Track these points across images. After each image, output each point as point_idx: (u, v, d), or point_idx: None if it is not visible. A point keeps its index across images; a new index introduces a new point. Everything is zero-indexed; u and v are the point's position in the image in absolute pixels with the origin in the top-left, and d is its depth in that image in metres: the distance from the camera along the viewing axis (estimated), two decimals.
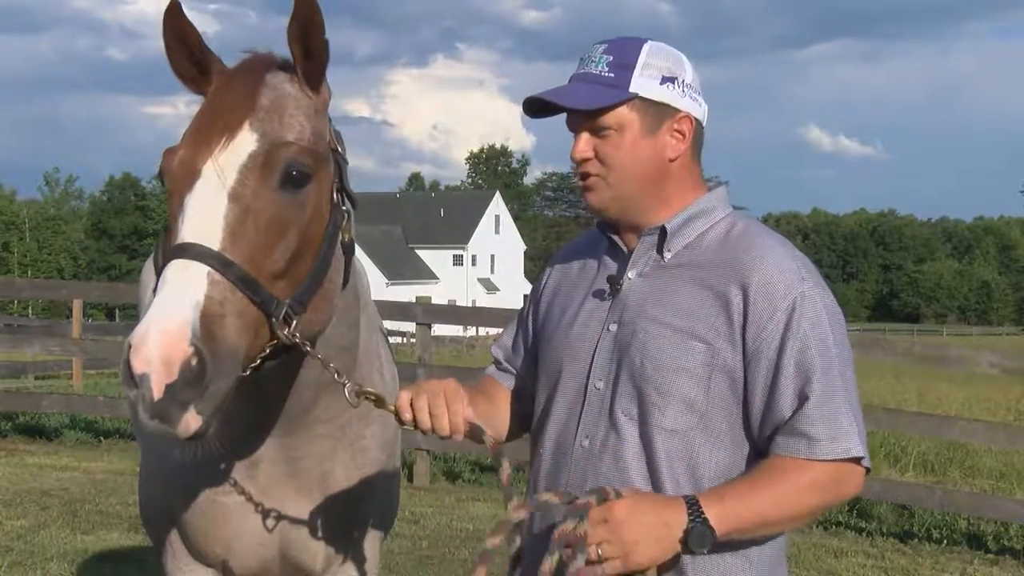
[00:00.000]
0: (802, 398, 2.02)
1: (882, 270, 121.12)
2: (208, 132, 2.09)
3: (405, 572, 6.56)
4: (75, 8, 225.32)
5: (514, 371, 2.49)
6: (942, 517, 8.26)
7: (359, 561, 2.86)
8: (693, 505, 1.95)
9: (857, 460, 2.03)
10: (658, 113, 2.14)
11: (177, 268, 1.94)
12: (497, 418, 2.40)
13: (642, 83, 2.12)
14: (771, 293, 2.05)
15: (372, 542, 2.91)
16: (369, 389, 2.21)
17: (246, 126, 2.10)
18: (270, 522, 2.64)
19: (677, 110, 2.15)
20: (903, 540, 8.02)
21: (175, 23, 2.17)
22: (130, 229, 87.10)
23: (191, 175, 2.05)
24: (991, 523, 8.06)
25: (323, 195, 2.19)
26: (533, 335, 2.44)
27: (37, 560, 6.54)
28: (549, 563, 1.93)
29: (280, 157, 2.09)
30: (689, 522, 1.93)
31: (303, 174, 2.11)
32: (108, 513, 7.88)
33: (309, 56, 2.19)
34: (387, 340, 3.19)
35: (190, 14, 2.19)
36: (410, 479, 9.21)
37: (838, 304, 2.15)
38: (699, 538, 1.93)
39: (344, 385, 2.19)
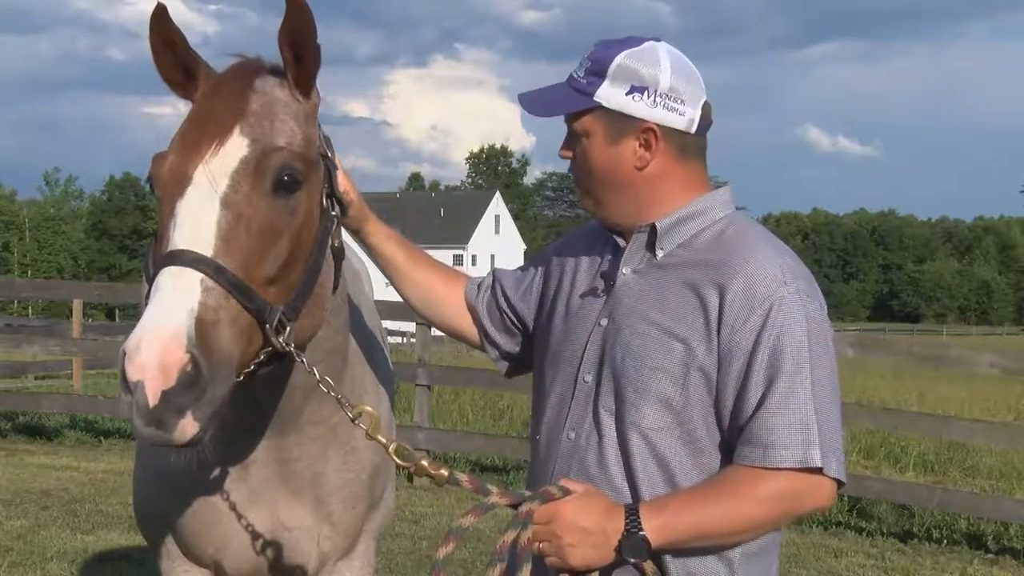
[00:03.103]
0: (761, 405, 2.00)
1: (882, 270, 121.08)
2: (198, 138, 2.07)
3: (405, 572, 6.55)
4: (75, 8, 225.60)
5: (485, 298, 2.51)
6: (942, 517, 8.25)
7: (353, 562, 2.86)
8: (632, 515, 1.96)
9: (821, 471, 1.98)
10: (621, 123, 2.13)
11: (170, 275, 1.92)
12: (424, 284, 2.52)
13: (608, 92, 2.12)
14: (749, 297, 2.03)
15: (366, 543, 2.91)
16: (368, 409, 2.19)
17: (236, 131, 2.08)
18: (262, 524, 2.64)
19: (641, 120, 2.12)
20: (903, 540, 8.02)
21: (161, 28, 2.15)
22: (130, 229, 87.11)
23: (182, 181, 2.03)
24: (991, 523, 8.06)
25: (314, 200, 2.18)
26: (534, 301, 2.45)
27: (37, 560, 6.54)
28: (492, 574, 1.96)
29: (271, 162, 2.07)
30: (625, 532, 1.95)
31: (294, 179, 2.10)
32: (108, 513, 7.88)
33: (300, 61, 2.17)
34: (385, 340, 3.19)
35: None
36: (410, 479, 9.13)
37: (827, 313, 2.13)
38: (632, 549, 1.95)
39: (338, 399, 2.19)
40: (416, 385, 9.59)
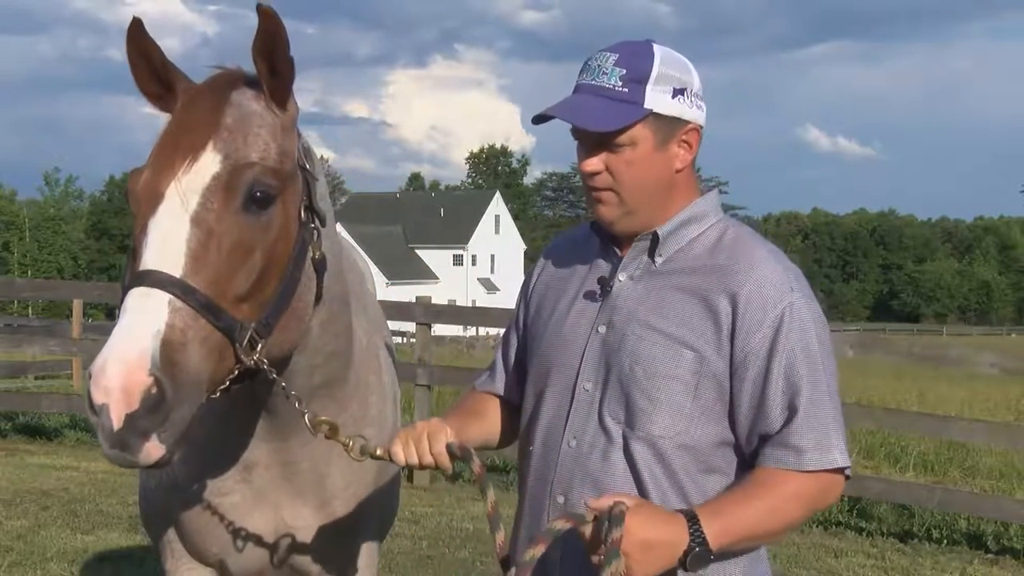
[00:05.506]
0: (791, 410, 2.04)
1: (882, 270, 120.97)
2: (171, 153, 2.07)
3: (405, 572, 6.56)
4: (75, 8, 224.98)
5: (504, 374, 2.50)
6: (942, 517, 8.25)
7: (357, 563, 2.87)
8: (693, 523, 1.95)
9: (841, 470, 2.07)
10: (669, 127, 2.14)
11: (138, 296, 1.93)
12: (493, 434, 2.45)
13: (656, 98, 2.11)
14: (761, 303, 2.07)
15: (370, 544, 2.92)
16: (324, 419, 2.25)
17: (209, 147, 2.07)
18: (266, 524, 2.65)
19: (686, 122, 2.15)
20: (903, 540, 8.02)
21: (138, 40, 2.15)
22: (130, 229, 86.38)
23: (154, 198, 2.03)
24: (991, 523, 8.05)
25: (289, 214, 2.17)
26: (523, 333, 2.45)
27: (37, 560, 6.54)
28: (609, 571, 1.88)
29: (243, 178, 2.06)
30: (690, 542, 1.94)
31: (267, 195, 2.09)
32: (108, 513, 7.88)
33: (274, 73, 2.16)
34: (390, 342, 3.19)
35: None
36: (410, 479, 9.21)
37: (825, 312, 2.18)
38: (697, 560, 1.94)
39: (304, 415, 2.24)
40: (416, 385, 9.59)
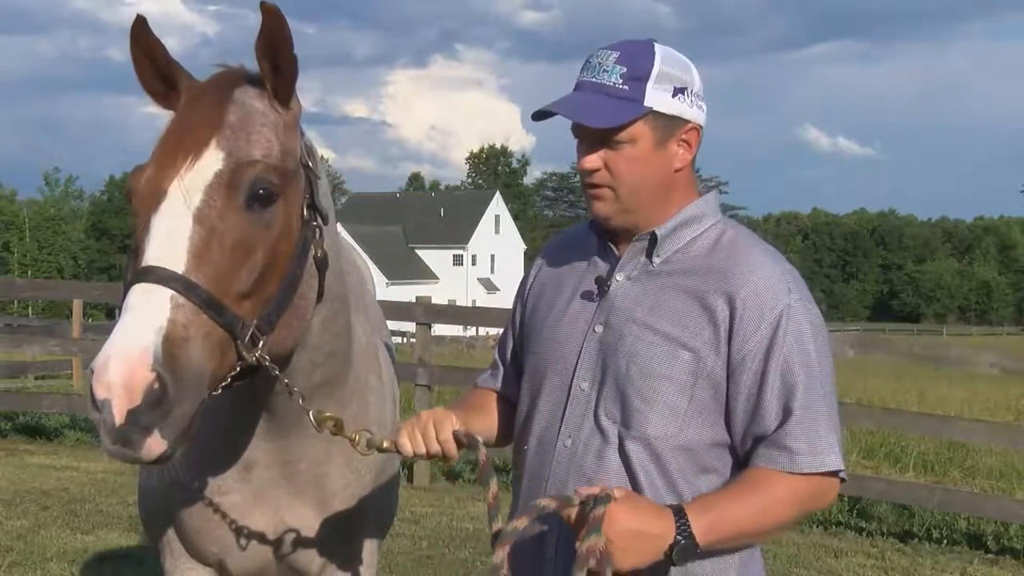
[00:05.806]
0: (786, 412, 2.04)
1: (882, 270, 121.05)
2: (174, 150, 2.07)
3: (405, 572, 6.56)
4: (75, 8, 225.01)
5: (503, 372, 2.50)
6: (942, 517, 8.25)
7: (356, 563, 2.87)
8: (681, 517, 1.96)
9: (835, 473, 2.06)
10: (668, 126, 2.13)
11: (140, 292, 1.93)
12: (493, 430, 2.46)
13: (656, 96, 2.11)
14: (758, 305, 2.07)
15: (369, 543, 2.92)
16: (329, 415, 2.25)
17: (212, 144, 2.07)
18: (265, 524, 2.65)
19: (686, 121, 2.15)
20: (903, 540, 8.02)
21: (141, 39, 2.15)
22: (130, 229, 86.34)
23: (157, 195, 2.04)
24: (991, 523, 8.06)
25: (292, 212, 2.17)
26: (520, 331, 2.45)
27: (37, 560, 6.54)
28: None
29: (246, 176, 2.07)
30: (676, 536, 1.94)
31: (270, 193, 2.10)
32: (108, 513, 7.88)
33: (278, 71, 2.16)
34: (389, 342, 3.19)
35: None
36: (410, 479, 9.22)
37: (825, 313, 2.17)
38: (683, 553, 1.95)
39: (308, 412, 2.25)
40: (416, 385, 9.59)
